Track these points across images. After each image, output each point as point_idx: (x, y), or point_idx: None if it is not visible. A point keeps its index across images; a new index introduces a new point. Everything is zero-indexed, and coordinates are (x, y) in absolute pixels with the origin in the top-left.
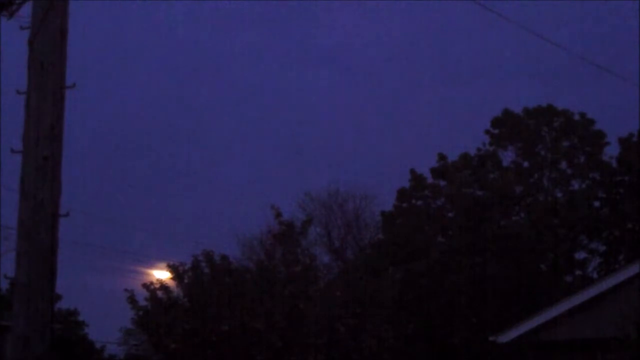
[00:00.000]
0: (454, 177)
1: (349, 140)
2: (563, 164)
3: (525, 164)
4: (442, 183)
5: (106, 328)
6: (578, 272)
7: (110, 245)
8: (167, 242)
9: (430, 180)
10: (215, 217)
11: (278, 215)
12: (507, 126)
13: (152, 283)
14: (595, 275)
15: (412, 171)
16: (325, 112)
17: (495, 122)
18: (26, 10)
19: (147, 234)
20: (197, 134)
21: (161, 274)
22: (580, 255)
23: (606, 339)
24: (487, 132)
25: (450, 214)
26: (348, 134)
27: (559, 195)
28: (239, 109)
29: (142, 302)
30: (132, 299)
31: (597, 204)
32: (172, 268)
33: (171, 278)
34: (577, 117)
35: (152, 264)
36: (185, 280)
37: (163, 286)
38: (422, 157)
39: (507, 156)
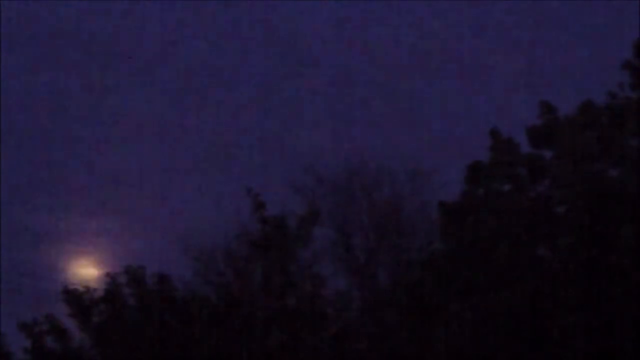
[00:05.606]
0: (570, 143)
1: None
2: None
3: None
4: (549, 154)
5: None
6: None
7: None
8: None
9: (526, 148)
10: (151, 208)
11: (259, 207)
12: None
13: (36, 323)
14: None
15: (494, 133)
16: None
17: None
18: None
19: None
20: None
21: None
22: None
23: None
24: (626, 65)
25: (559, 208)
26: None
27: None
28: None
29: (20, 356)
30: None
31: None
32: (70, 295)
33: (70, 314)
34: None
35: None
36: (95, 318)
37: (56, 328)
38: (510, 109)
39: None
